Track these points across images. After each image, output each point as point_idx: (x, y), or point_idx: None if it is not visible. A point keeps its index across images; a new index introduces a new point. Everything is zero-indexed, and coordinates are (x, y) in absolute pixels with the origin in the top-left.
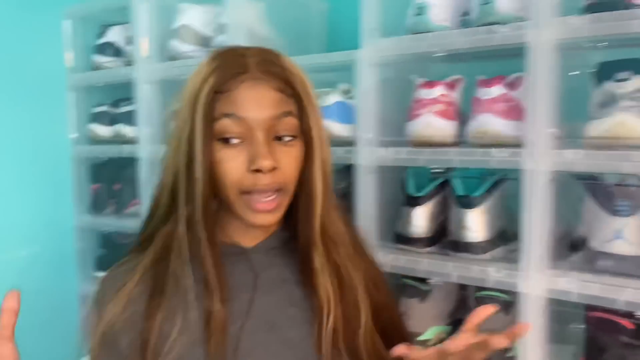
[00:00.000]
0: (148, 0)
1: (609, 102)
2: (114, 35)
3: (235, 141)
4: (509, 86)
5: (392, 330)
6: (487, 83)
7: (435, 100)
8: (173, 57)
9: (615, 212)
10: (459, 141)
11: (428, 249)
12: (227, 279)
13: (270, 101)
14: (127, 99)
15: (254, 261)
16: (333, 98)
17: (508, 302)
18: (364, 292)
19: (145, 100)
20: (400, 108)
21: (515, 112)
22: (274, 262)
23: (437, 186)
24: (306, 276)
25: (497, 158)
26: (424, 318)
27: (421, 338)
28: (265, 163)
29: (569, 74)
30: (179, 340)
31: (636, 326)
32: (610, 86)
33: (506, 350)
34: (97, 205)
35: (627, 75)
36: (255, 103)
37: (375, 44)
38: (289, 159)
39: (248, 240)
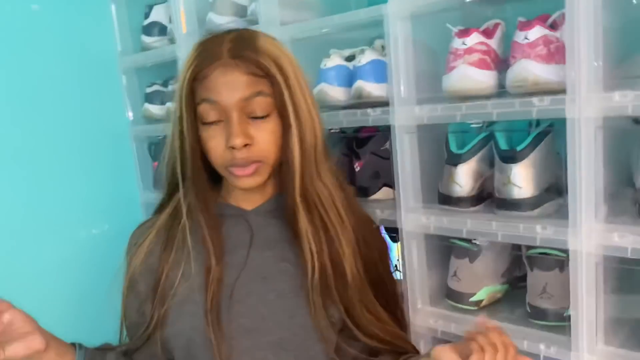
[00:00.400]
0: None
1: None
2: (157, 15)
3: (213, 122)
4: (552, 26)
5: (380, 285)
6: (527, 25)
7: (470, 50)
8: (211, 30)
9: None
10: (500, 92)
11: (473, 209)
12: (222, 238)
13: (240, 84)
14: (175, 77)
15: (252, 222)
16: (367, 57)
17: (562, 260)
18: (354, 248)
19: None
20: (438, 61)
21: (558, 54)
22: (270, 223)
23: (479, 142)
24: (293, 236)
25: (538, 107)
26: (474, 278)
27: (473, 299)
28: (237, 141)
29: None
30: (180, 287)
31: None
32: None
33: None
34: (160, 182)
35: None
36: (227, 87)
37: None
38: (264, 133)
39: (248, 203)
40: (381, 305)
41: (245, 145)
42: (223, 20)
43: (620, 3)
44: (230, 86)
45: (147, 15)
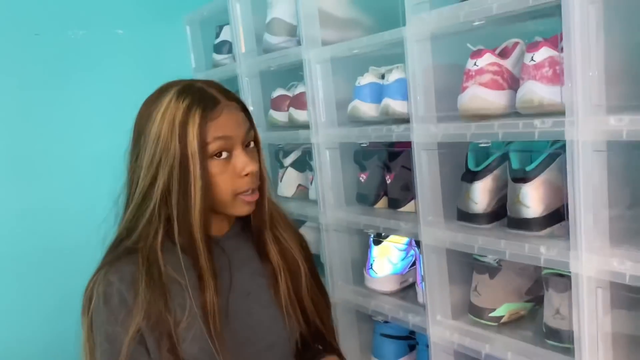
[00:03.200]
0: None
1: None
2: (227, 34)
3: (225, 156)
4: (559, 47)
5: (315, 295)
6: (534, 46)
7: (481, 71)
8: (267, 49)
9: None
10: (514, 112)
11: (488, 226)
12: (216, 270)
13: (242, 120)
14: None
15: (225, 246)
16: (394, 75)
17: None
18: (302, 259)
19: (250, 92)
20: (458, 81)
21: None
22: (239, 245)
23: (495, 160)
24: (261, 251)
25: (540, 129)
26: (494, 294)
27: (493, 314)
28: (254, 167)
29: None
30: (189, 328)
31: None
32: None
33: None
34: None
35: None
36: (236, 124)
37: (418, 19)
38: (255, 161)
39: (217, 231)
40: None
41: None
42: (277, 40)
43: (626, 24)
44: (238, 123)
45: (217, 35)
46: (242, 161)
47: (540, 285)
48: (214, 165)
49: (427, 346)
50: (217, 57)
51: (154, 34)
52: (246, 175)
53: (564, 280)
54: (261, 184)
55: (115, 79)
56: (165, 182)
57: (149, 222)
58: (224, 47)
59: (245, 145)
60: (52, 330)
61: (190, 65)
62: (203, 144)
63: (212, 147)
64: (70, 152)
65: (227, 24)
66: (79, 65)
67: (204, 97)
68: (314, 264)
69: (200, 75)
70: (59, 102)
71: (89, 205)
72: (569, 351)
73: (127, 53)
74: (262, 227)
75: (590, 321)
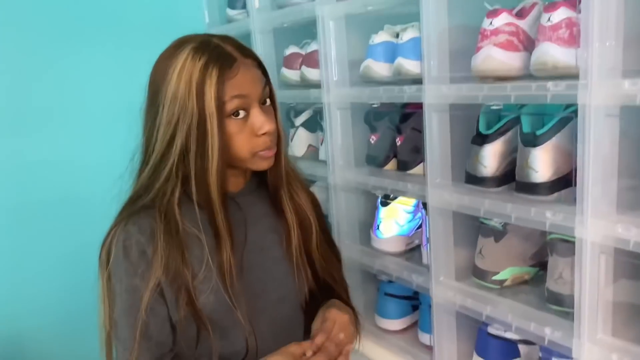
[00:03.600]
0: None
1: None
2: None
3: (242, 115)
4: (577, 9)
5: (326, 249)
6: (552, 6)
7: (497, 31)
8: (282, 5)
9: None
10: (526, 74)
11: (496, 189)
12: (231, 227)
13: (259, 77)
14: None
15: (241, 202)
16: (408, 34)
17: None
18: (314, 217)
19: (262, 49)
20: (474, 40)
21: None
22: (255, 201)
23: (507, 123)
24: (276, 207)
25: (552, 92)
26: (499, 258)
27: (496, 277)
28: (272, 126)
29: None
30: (205, 282)
31: None
32: None
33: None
34: None
35: None
36: (252, 82)
37: None
38: (272, 117)
39: (233, 186)
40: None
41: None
42: None
43: None
44: (254, 81)
45: None
46: (259, 120)
47: (545, 251)
48: (232, 125)
49: (430, 306)
50: (231, 12)
51: None
52: (264, 134)
53: (568, 245)
54: (278, 140)
55: (127, 32)
56: (183, 142)
57: (166, 180)
58: (238, 2)
59: (262, 103)
60: (67, 280)
61: (204, 20)
62: (220, 103)
63: (230, 106)
64: (84, 104)
65: None
66: (93, 16)
67: (220, 55)
68: (324, 221)
69: (214, 31)
70: (72, 55)
71: (104, 157)
72: (569, 315)
73: (139, 5)
74: (279, 184)
75: (592, 287)
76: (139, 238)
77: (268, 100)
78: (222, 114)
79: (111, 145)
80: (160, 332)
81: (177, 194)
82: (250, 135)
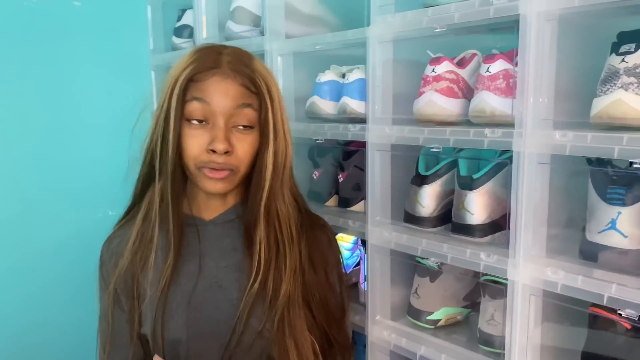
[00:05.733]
0: None
1: (611, 78)
2: (189, 19)
3: (199, 122)
4: (514, 62)
5: (321, 309)
6: (490, 58)
7: (438, 77)
8: (229, 37)
9: (608, 200)
10: (465, 120)
11: (433, 229)
12: (181, 246)
13: (234, 93)
14: None
15: (210, 231)
16: (354, 75)
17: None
18: (296, 271)
19: None
20: (415, 86)
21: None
22: (228, 233)
23: (445, 166)
24: (248, 246)
25: (489, 138)
26: (434, 298)
27: (430, 317)
28: (221, 146)
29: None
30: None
31: (632, 327)
32: (613, 60)
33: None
34: None
35: (633, 47)
36: (221, 93)
37: (383, 20)
38: (243, 144)
39: (207, 213)
40: (318, 321)
41: (226, 152)
42: (240, 29)
43: (578, 44)
44: (225, 93)
45: (179, 18)
46: (212, 135)
47: (478, 292)
48: (187, 128)
49: (365, 346)
50: (177, 40)
51: (113, 10)
52: (213, 151)
53: (500, 287)
54: (260, 174)
55: (67, 52)
56: (151, 135)
57: (147, 185)
58: (185, 31)
59: (236, 126)
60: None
61: (147, 47)
62: (182, 101)
63: (189, 107)
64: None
65: (190, 7)
66: (31, 34)
67: (208, 58)
68: (323, 285)
69: (157, 58)
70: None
71: None
72: (499, 356)
73: (82, 27)
74: (257, 217)
75: (522, 328)
76: (110, 252)
77: (243, 128)
78: (181, 113)
79: None
80: (126, 343)
81: (155, 207)
82: (200, 146)
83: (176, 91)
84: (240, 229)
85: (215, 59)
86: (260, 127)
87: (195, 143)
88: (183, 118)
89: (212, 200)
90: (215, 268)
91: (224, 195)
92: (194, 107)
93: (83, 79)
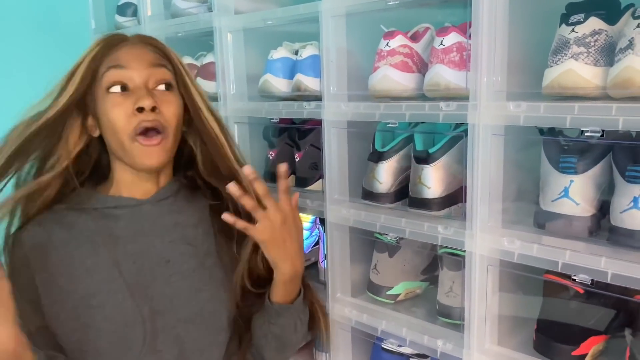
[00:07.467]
0: None
1: (561, 49)
2: None
3: (120, 90)
4: (467, 34)
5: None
6: (444, 31)
7: (393, 52)
8: (176, 14)
9: (560, 169)
10: (422, 94)
11: (391, 205)
12: (111, 228)
13: (146, 56)
14: None
15: (147, 211)
16: (308, 51)
17: None
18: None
19: None
20: (370, 61)
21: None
22: (166, 210)
23: (401, 141)
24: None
25: (445, 112)
26: (393, 273)
27: (390, 292)
28: (147, 102)
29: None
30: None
31: (585, 291)
32: (563, 30)
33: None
34: None
35: (582, 17)
36: (135, 56)
37: None
38: (167, 103)
39: (141, 193)
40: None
41: (153, 109)
42: (187, 5)
43: (529, 16)
44: (139, 57)
45: None
46: (135, 97)
47: (436, 265)
48: (109, 99)
49: None
50: (120, 19)
51: None
52: (140, 110)
53: (457, 259)
54: (209, 133)
55: (3, 35)
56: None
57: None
58: (129, 9)
59: (157, 86)
60: None
61: (89, 26)
62: (95, 75)
63: (106, 77)
64: None
65: None
66: None
67: (115, 37)
68: None
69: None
70: None
71: None
72: (459, 327)
73: (18, 8)
74: (234, 178)
75: (480, 298)
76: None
77: (164, 86)
78: (97, 86)
79: None
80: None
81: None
82: (127, 111)
83: (87, 66)
84: (179, 205)
85: (121, 37)
86: (182, 89)
87: (121, 110)
88: (102, 91)
89: (144, 181)
90: (161, 245)
91: (156, 175)
92: (111, 74)
93: (21, 64)
